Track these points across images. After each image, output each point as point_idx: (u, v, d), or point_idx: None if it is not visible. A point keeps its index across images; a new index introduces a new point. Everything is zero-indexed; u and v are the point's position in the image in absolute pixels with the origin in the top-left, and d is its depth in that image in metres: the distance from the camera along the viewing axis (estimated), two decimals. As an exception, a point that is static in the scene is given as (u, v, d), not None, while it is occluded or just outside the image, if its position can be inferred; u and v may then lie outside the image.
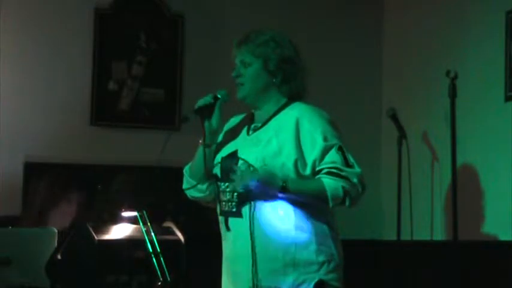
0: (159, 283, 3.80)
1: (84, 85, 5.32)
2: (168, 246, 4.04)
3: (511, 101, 4.69)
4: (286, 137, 2.84)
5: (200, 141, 2.96)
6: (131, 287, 4.11)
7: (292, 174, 2.80)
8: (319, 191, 2.78)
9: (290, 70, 2.94)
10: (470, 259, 4.08)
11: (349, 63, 5.82)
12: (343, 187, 2.77)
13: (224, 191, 2.92)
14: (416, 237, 4.91)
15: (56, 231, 3.55)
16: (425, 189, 5.18)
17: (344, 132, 3.00)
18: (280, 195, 2.77)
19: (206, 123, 2.93)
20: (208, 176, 2.97)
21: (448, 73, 4.34)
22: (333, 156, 2.81)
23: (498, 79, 4.74)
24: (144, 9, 5.46)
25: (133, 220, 4.20)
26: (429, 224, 5.15)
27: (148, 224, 4.00)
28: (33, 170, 5.09)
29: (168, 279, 3.79)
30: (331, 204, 2.79)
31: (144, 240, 3.93)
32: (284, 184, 2.75)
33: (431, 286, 4.13)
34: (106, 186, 5.06)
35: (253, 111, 3.02)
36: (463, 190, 4.57)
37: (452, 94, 4.31)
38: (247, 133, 2.97)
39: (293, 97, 2.96)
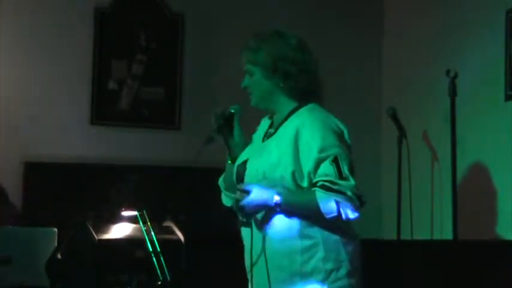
0: (159, 282, 3.79)
1: (84, 84, 5.31)
2: (168, 246, 4.04)
3: (511, 100, 4.69)
4: (285, 147, 2.79)
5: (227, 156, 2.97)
6: (131, 286, 4.11)
7: (291, 186, 2.76)
8: (312, 204, 2.72)
9: (287, 68, 2.86)
10: (470, 259, 4.08)
11: (349, 63, 5.82)
12: (336, 201, 2.71)
13: (238, 200, 2.91)
14: (416, 237, 4.90)
15: (56, 230, 3.55)
16: (425, 188, 5.18)
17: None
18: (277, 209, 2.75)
19: (229, 140, 2.95)
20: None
21: (448, 72, 4.33)
22: (326, 168, 2.73)
23: (498, 78, 4.74)
24: (144, 9, 5.45)
25: (133, 219, 4.19)
26: (429, 224, 5.14)
27: (148, 223, 4.00)
28: (32, 170, 5.09)
29: (168, 278, 3.79)
30: (326, 218, 2.73)
31: (144, 240, 3.93)
32: (277, 202, 2.72)
33: (431, 286, 4.12)
34: (106, 185, 5.05)
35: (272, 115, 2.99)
36: (463, 190, 4.57)
37: (453, 93, 4.31)
38: (262, 139, 2.95)
39: (304, 97, 2.92)
